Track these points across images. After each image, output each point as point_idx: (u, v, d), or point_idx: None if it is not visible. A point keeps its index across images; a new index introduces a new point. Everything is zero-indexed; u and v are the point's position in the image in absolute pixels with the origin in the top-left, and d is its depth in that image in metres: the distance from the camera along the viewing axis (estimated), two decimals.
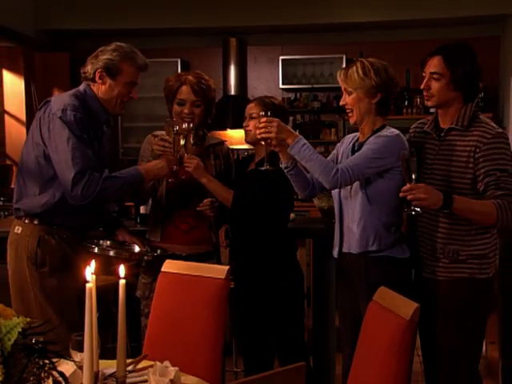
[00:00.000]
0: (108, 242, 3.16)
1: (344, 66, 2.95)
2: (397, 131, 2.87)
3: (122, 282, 1.66)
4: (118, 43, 2.99)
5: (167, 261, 2.67)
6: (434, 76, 2.72)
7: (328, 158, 2.97)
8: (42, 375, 1.61)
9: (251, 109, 3.25)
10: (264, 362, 3.35)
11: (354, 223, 2.85)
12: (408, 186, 2.58)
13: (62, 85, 6.81)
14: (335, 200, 2.98)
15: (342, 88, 2.89)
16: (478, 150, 2.65)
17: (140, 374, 2.11)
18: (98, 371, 1.71)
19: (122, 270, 1.65)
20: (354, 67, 2.84)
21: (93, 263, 1.63)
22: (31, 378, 1.54)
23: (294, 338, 3.28)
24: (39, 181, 2.91)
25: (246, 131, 3.26)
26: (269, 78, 7.27)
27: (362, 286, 2.80)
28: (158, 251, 3.15)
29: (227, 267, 2.53)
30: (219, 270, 2.53)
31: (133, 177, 2.96)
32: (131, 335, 3.36)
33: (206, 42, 7.33)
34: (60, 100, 2.89)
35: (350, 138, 3.04)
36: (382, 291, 2.24)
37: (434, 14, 6.51)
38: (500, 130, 2.70)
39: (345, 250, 2.89)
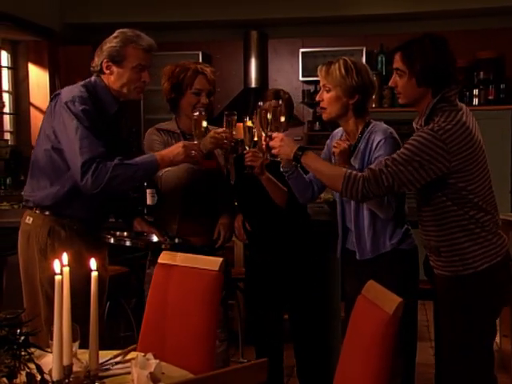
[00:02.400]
0: (125, 233, 3.17)
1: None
2: (389, 129, 2.85)
3: (94, 274, 1.67)
4: (121, 29, 2.94)
5: (163, 252, 2.67)
6: (398, 72, 2.66)
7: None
8: (18, 366, 1.64)
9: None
10: (276, 352, 3.41)
11: (363, 230, 2.84)
12: (270, 133, 2.73)
13: (85, 77, 6.70)
14: (337, 202, 2.98)
15: (321, 84, 2.87)
16: None
17: (126, 366, 2.12)
18: (72, 364, 1.72)
19: (93, 263, 1.67)
20: (337, 64, 2.82)
21: (65, 255, 1.64)
22: (4, 369, 1.56)
23: (315, 330, 3.36)
24: (51, 174, 2.89)
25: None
26: (289, 71, 7.27)
27: (368, 278, 2.80)
28: (176, 240, 3.13)
29: (221, 259, 2.53)
30: (213, 262, 2.53)
31: (147, 164, 2.88)
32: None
33: (227, 35, 7.36)
34: (69, 91, 2.86)
35: (338, 134, 3.04)
36: (370, 285, 2.22)
37: (455, 5, 6.44)
38: (437, 128, 2.50)
39: (359, 257, 2.87)
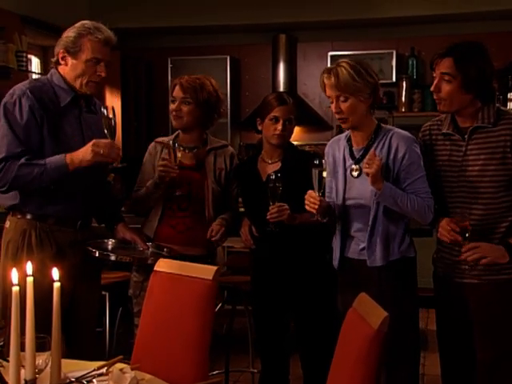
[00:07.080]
0: (110, 242, 3.13)
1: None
2: (408, 133, 2.76)
3: (57, 285, 1.62)
4: (83, 21, 2.90)
5: (160, 259, 2.64)
6: (445, 78, 2.58)
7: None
8: None
9: (289, 113, 3.16)
10: (281, 361, 3.34)
11: (377, 237, 2.74)
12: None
13: (113, 82, 6.89)
14: (338, 209, 2.85)
15: (332, 94, 2.73)
16: None
17: (108, 378, 2.08)
18: (35, 378, 1.68)
19: (55, 273, 1.62)
20: (343, 69, 2.69)
21: (29, 264, 1.59)
22: None
23: (318, 338, 3.24)
24: None
25: (278, 134, 3.12)
26: (318, 75, 7.05)
27: (371, 288, 2.70)
28: (165, 250, 3.11)
29: (215, 268, 2.48)
30: (207, 271, 2.48)
31: (55, 163, 2.74)
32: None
33: (255, 39, 7.30)
34: (14, 87, 2.82)
35: (336, 143, 2.91)
36: (361, 297, 2.13)
37: (488, 6, 6.24)
38: None
39: (369, 264, 2.78)
